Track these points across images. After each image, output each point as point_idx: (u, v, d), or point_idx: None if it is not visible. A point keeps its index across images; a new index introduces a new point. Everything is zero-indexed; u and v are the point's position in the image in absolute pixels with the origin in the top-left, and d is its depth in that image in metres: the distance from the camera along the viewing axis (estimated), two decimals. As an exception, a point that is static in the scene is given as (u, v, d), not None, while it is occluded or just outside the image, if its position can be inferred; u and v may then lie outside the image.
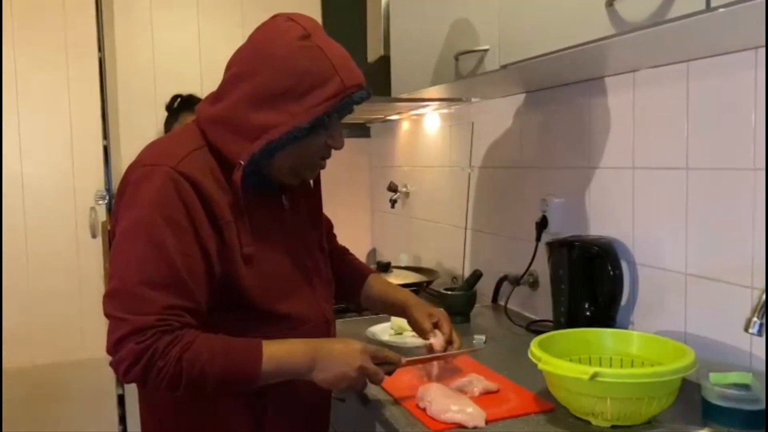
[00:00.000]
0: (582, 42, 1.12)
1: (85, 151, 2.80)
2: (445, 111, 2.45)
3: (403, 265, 2.57)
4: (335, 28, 2.99)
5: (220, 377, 1.08)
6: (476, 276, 1.94)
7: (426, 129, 2.64)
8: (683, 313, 1.40)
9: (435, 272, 2.34)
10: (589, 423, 1.14)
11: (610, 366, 1.29)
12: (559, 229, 1.78)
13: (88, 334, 2.71)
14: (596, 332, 1.32)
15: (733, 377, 1.12)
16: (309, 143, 1.19)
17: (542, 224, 1.81)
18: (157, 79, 2.88)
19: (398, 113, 2.69)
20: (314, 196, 1.38)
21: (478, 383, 1.30)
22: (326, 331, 1.30)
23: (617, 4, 1.01)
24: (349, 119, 2.86)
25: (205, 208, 1.12)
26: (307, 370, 1.15)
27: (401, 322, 1.70)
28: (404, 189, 2.81)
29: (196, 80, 2.86)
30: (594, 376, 1.07)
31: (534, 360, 1.18)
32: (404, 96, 2.00)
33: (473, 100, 2.21)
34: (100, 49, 2.82)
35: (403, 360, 1.26)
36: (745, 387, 1.11)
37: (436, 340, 1.36)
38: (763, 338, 1.18)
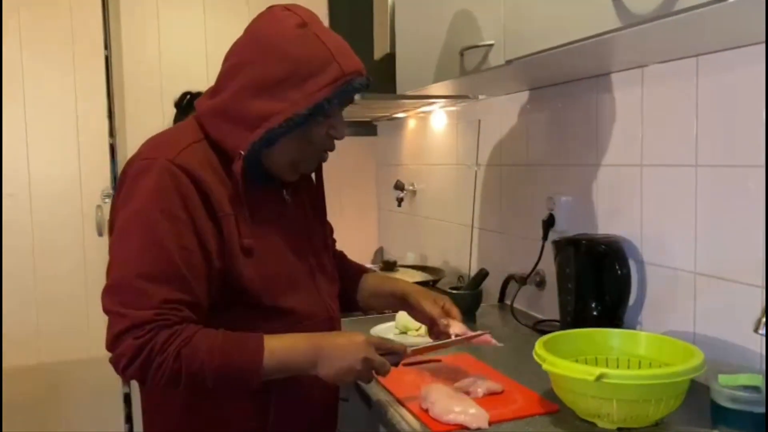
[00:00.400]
0: (588, 36, 1.09)
1: (92, 149, 2.81)
2: (452, 108, 2.43)
3: (409, 263, 2.55)
4: (342, 26, 3.02)
5: (220, 372, 1.07)
6: (482, 275, 1.92)
7: (433, 127, 2.62)
8: (692, 313, 1.37)
9: (441, 271, 2.32)
10: (594, 425, 1.12)
11: (617, 367, 1.27)
12: (566, 227, 1.75)
13: (95, 332, 2.70)
14: (603, 332, 1.30)
15: (743, 379, 1.09)
16: (310, 132, 1.17)
17: (549, 222, 1.79)
18: (163, 76, 2.87)
19: (405, 111, 2.67)
20: (317, 192, 1.36)
21: (482, 384, 1.28)
22: (331, 327, 1.28)
23: (624, -3, 0.99)
24: (356, 117, 2.91)
25: (203, 201, 1.11)
26: (310, 365, 1.12)
27: (405, 321, 1.69)
28: (411, 187, 2.79)
29: (203, 77, 2.84)
30: (600, 377, 1.05)
31: (539, 360, 1.15)
32: (411, 93, 1.98)
33: (480, 97, 2.18)
34: (107, 47, 2.82)
35: (409, 349, 1.22)
36: (755, 389, 1.08)
37: (455, 326, 1.31)
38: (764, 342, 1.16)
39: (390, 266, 2.29)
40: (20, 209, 2.71)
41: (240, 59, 1.16)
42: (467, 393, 1.26)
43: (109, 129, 2.83)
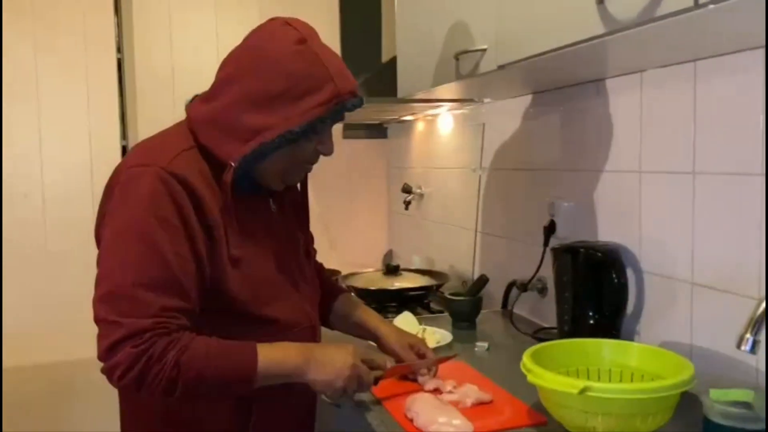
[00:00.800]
0: (574, 41, 1.07)
1: (105, 151, 2.83)
2: (459, 112, 2.41)
3: (415, 267, 2.53)
4: (352, 28, 3.02)
5: (217, 380, 1.07)
6: (482, 281, 1.90)
7: (440, 130, 2.60)
8: (689, 324, 1.34)
9: (445, 275, 2.30)
10: (581, 439, 1.10)
11: (609, 379, 1.24)
12: (567, 233, 1.72)
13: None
14: (595, 343, 1.27)
15: (734, 394, 1.06)
16: (300, 147, 1.18)
17: (550, 229, 1.76)
18: (175, 80, 2.89)
19: (413, 114, 2.65)
20: (301, 200, 1.37)
21: (472, 394, 1.27)
22: (312, 336, 1.29)
23: (607, 3, 0.96)
24: (366, 120, 2.89)
25: (195, 209, 1.11)
26: (301, 371, 1.14)
27: (402, 326, 1.67)
28: (419, 190, 2.77)
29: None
30: (584, 390, 1.02)
31: (525, 371, 1.13)
32: (419, 96, 1.96)
33: (485, 100, 2.16)
34: (120, 50, 2.84)
35: (389, 363, 1.25)
36: (746, 405, 1.05)
37: (429, 382, 1.33)
38: (761, 356, 1.13)
39: (393, 270, 2.27)
40: (34, 210, 2.74)
41: (237, 69, 1.16)
42: (456, 403, 1.24)
43: (121, 132, 2.86)
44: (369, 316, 1.44)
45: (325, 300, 1.44)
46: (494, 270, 2.14)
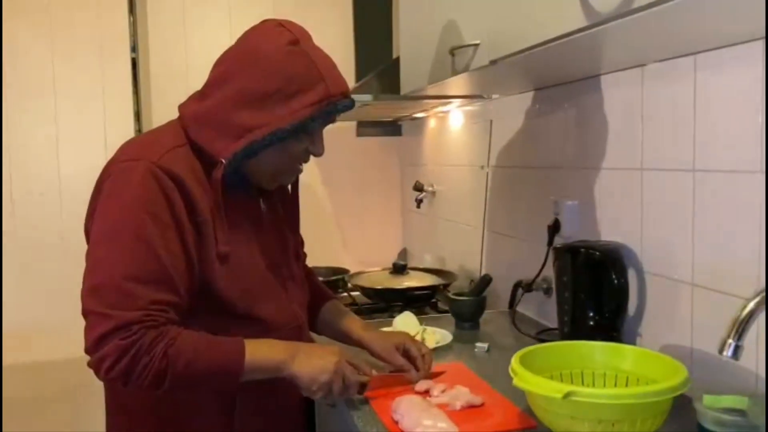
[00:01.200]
0: (558, 35, 1.04)
1: (120, 150, 2.86)
2: (468, 108, 2.37)
3: (425, 266, 2.51)
4: (366, 27, 3.00)
5: (205, 372, 1.08)
6: (485, 281, 1.86)
7: (450, 127, 2.57)
8: (690, 326, 1.29)
9: (453, 275, 2.27)
10: (568, 444, 1.06)
11: (604, 382, 1.21)
12: (571, 233, 1.68)
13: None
14: (588, 345, 1.24)
15: (727, 401, 1.02)
16: (290, 147, 1.19)
17: (555, 227, 1.72)
18: (189, 78, 2.91)
19: (424, 111, 2.63)
20: (292, 201, 1.37)
21: (462, 397, 1.24)
22: (299, 336, 1.29)
23: (589, -6, 0.93)
24: (380, 117, 2.87)
25: (185, 204, 1.11)
26: (287, 365, 1.14)
27: (403, 327, 1.67)
28: (430, 188, 2.74)
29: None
30: (568, 395, 0.99)
31: (511, 374, 1.11)
32: (431, 92, 1.94)
33: (493, 96, 2.12)
34: (134, 49, 2.87)
35: (374, 372, 1.24)
36: (740, 412, 1.01)
37: (421, 383, 1.32)
38: (761, 361, 1.08)
39: (400, 269, 2.24)
40: (50, 208, 2.78)
41: (229, 68, 1.17)
42: (444, 405, 1.22)
43: (136, 130, 2.89)
44: (353, 324, 1.43)
45: (313, 306, 1.44)
46: (502, 269, 2.11)
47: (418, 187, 2.74)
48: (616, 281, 1.40)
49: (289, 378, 1.16)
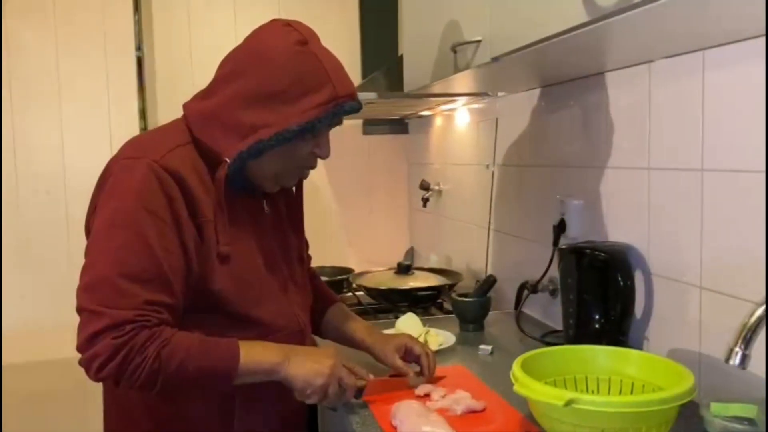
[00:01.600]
0: (559, 31, 1.00)
1: (125, 148, 2.85)
2: (474, 106, 2.34)
3: (431, 266, 2.48)
4: (372, 24, 2.97)
5: (198, 374, 1.07)
6: (489, 282, 1.83)
7: (456, 125, 2.54)
8: (698, 331, 1.25)
9: (459, 275, 2.24)
10: (570, 453, 1.03)
11: (609, 388, 1.17)
12: (577, 233, 1.65)
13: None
14: (591, 350, 1.20)
15: (735, 409, 0.98)
16: (296, 148, 1.17)
17: (560, 227, 1.69)
18: (194, 77, 2.90)
19: (430, 109, 2.60)
20: (295, 203, 1.35)
21: (462, 402, 1.21)
22: (300, 340, 1.27)
23: (591, -11, 0.90)
24: (386, 115, 2.84)
25: (186, 203, 1.10)
26: (281, 367, 1.13)
27: (405, 329, 1.64)
28: (437, 187, 2.71)
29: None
30: (570, 402, 0.96)
31: (512, 380, 1.08)
32: (435, 90, 1.91)
33: (499, 94, 2.09)
34: (139, 48, 2.86)
35: (371, 376, 1.22)
36: (749, 420, 0.97)
37: (422, 388, 1.30)
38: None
39: (405, 269, 2.22)
40: (56, 206, 2.78)
41: (236, 67, 1.15)
42: (444, 411, 1.19)
43: (141, 129, 2.88)
44: (357, 328, 1.41)
45: (318, 309, 1.42)
46: (508, 269, 2.08)
47: (425, 186, 2.71)
48: (622, 283, 1.37)
49: (283, 381, 1.14)
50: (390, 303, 2.14)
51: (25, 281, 2.74)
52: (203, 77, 2.98)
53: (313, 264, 1.51)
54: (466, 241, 2.45)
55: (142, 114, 2.89)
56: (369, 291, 2.18)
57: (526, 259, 1.98)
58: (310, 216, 1.41)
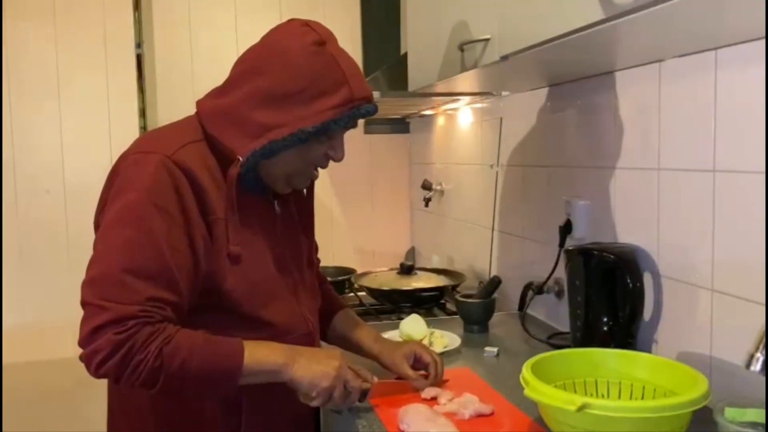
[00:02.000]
0: (574, 29, 0.99)
1: (124, 146, 2.80)
2: (477, 106, 2.32)
3: (433, 267, 2.46)
4: (373, 22, 2.95)
5: (201, 374, 1.04)
6: (494, 283, 1.81)
7: (459, 124, 2.52)
8: (709, 334, 1.24)
9: (462, 275, 2.22)
10: (581, 458, 1.01)
11: (619, 392, 1.16)
12: (584, 234, 1.63)
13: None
14: (601, 353, 1.19)
15: (751, 414, 0.96)
16: (310, 150, 1.16)
17: (566, 228, 1.67)
18: (195, 75, 2.88)
19: (432, 108, 2.58)
20: (306, 206, 1.34)
21: (470, 405, 1.20)
22: (310, 342, 1.26)
23: (608, -15, 0.88)
24: (387, 114, 2.83)
25: (197, 201, 1.08)
26: (287, 368, 1.11)
27: (409, 330, 1.62)
28: (439, 187, 2.69)
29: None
30: (582, 407, 0.94)
31: (523, 384, 1.06)
32: (439, 89, 1.89)
33: (503, 93, 2.07)
34: (139, 45, 2.84)
35: (375, 378, 1.22)
36: (765, 426, 0.96)
37: (428, 391, 1.28)
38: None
39: (408, 270, 2.20)
40: (55, 205, 2.76)
41: (252, 66, 1.14)
42: (452, 414, 1.18)
43: (141, 127, 2.86)
44: (364, 335, 1.40)
45: (325, 315, 1.40)
46: (512, 270, 2.06)
47: (427, 186, 2.69)
48: (631, 285, 1.35)
49: (288, 383, 1.12)
50: (393, 304, 2.12)
51: (24, 280, 2.71)
52: (203, 75, 2.97)
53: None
54: (469, 241, 2.44)
55: (142, 112, 2.87)
56: (371, 292, 2.17)
57: (530, 260, 1.96)
58: (311, 216, 1.39)
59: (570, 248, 1.49)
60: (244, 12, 2.93)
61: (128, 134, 2.81)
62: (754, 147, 1.11)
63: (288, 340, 1.18)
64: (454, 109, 2.51)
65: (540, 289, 1.76)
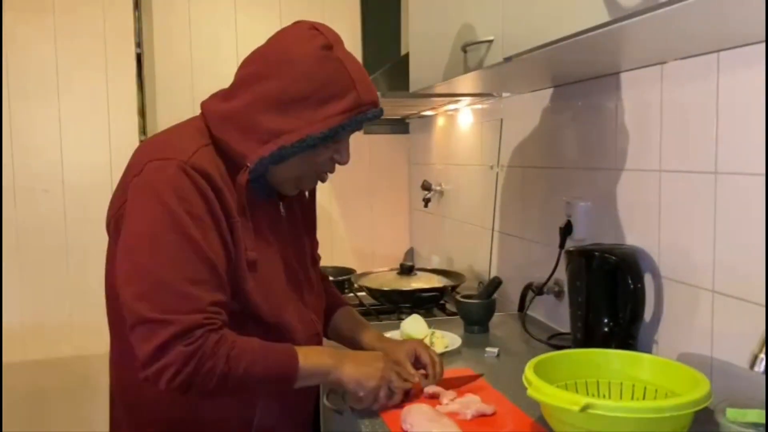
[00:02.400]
0: (578, 31, 0.99)
1: (124, 146, 2.82)
2: (478, 107, 2.33)
3: (433, 267, 2.47)
4: (373, 23, 2.95)
5: (262, 377, 1.07)
6: (495, 283, 1.82)
7: (459, 125, 2.53)
8: (710, 335, 1.24)
9: (461, 276, 2.22)
10: (583, 458, 1.02)
11: (621, 393, 1.16)
12: (584, 235, 1.64)
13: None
14: (604, 353, 1.19)
15: (753, 415, 0.97)
16: (317, 154, 1.16)
17: (567, 229, 1.68)
18: (194, 75, 2.88)
19: (433, 109, 2.58)
20: (309, 206, 1.34)
21: (472, 405, 1.20)
22: (318, 343, 1.27)
23: (613, -12, 0.89)
24: (387, 115, 2.83)
25: (220, 204, 1.09)
26: (336, 369, 1.14)
27: (410, 330, 1.63)
28: (438, 188, 2.70)
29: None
30: (585, 407, 0.95)
31: (525, 384, 1.06)
32: (438, 90, 1.90)
33: (504, 94, 2.08)
34: (139, 45, 2.84)
35: (417, 378, 1.26)
36: (765, 427, 0.96)
37: (430, 388, 1.29)
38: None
39: (407, 270, 2.20)
40: (54, 205, 2.75)
41: (259, 69, 1.13)
42: (454, 414, 1.18)
43: (140, 127, 2.85)
44: (365, 334, 1.40)
45: (326, 312, 1.40)
46: (512, 271, 2.06)
47: (426, 186, 2.70)
48: (632, 286, 1.36)
49: (336, 384, 1.16)
50: (393, 304, 2.13)
51: (24, 280, 2.71)
52: (203, 75, 2.97)
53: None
54: (469, 242, 2.44)
55: (142, 112, 2.86)
56: (371, 292, 2.17)
57: (529, 261, 1.96)
58: (312, 216, 1.40)
59: (571, 249, 1.49)
60: (244, 12, 2.93)
61: (128, 134, 2.81)
62: (755, 149, 1.12)
63: (296, 340, 1.18)
64: (455, 110, 2.52)
65: (540, 290, 1.77)
